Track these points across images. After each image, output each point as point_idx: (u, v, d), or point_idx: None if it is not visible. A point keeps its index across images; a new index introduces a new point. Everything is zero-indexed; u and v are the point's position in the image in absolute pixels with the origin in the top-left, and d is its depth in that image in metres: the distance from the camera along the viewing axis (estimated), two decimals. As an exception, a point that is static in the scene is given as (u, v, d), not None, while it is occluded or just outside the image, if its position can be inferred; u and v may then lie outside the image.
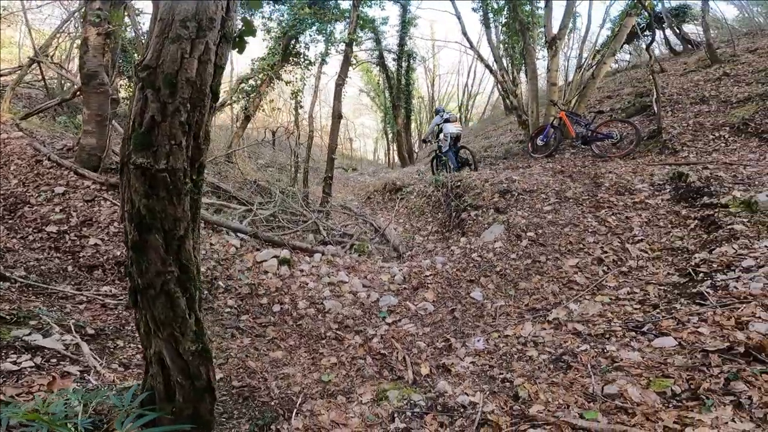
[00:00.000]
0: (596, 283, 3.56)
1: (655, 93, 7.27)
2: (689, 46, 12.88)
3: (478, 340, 3.05)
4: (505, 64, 11.69)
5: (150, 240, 1.31)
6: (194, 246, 1.42)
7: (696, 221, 3.96)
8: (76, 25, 10.07)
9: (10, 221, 4.47)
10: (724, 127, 6.46)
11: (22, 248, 4.03)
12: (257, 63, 11.10)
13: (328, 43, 10.47)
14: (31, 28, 9.66)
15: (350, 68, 9.26)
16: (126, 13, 6.16)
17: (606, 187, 5.17)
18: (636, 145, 6.65)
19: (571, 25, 10.11)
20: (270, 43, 11.01)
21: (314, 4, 10.33)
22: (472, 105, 24.21)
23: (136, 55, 9.52)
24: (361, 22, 11.82)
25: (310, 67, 11.30)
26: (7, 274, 3.31)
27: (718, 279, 2.87)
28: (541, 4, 9.13)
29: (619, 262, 3.79)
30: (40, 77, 10.02)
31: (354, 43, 9.31)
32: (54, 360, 2.31)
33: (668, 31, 13.34)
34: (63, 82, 10.34)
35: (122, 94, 9.47)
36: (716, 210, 3.93)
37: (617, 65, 14.65)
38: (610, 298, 3.22)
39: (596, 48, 9.71)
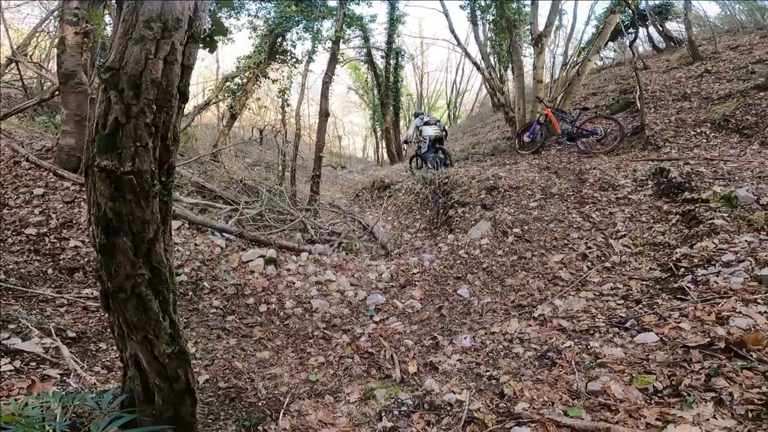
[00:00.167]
0: (580, 279, 3.59)
1: (638, 90, 7.37)
2: (672, 43, 13.09)
3: (465, 338, 3.06)
4: (492, 62, 11.75)
5: (118, 243, 1.28)
6: (166, 248, 1.39)
7: (677, 216, 4.02)
8: (55, 24, 9.85)
9: (-14, 224, 4.35)
10: (706, 123, 6.58)
11: (0, 251, 3.93)
12: (243, 61, 10.97)
13: (316, 40, 10.38)
14: (9, 27, 9.41)
15: (338, 66, 9.22)
16: (107, 12, 6.04)
17: (590, 183, 5.22)
18: (620, 141, 6.74)
19: (557, 22, 10.18)
20: (256, 40, 10.89)
21: (301, 2, 10.24)
22: (460, 102, 24.31)
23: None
24: (349, 19, 11.72)
25: (297, 65, 11.20)
26: (-16, 279, 3.23)
27: (699, 274, 2.92)
28: (528, 1, 9.18)
29: (602, 258, 3.83)
30: (18, 77, 9.76)
31: (341, 41, 9.26)
32: (34, 363, 2.30)
33: (651, 29, 13.55)
34: (42, 81, 10.10)
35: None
36: (697, 205, 3.99)
37: (602, 62, 14.83)
38: (594, 294, 3.25)
39: (581, 45, 9.82)
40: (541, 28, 8.36)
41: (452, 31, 10.57)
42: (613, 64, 14.68)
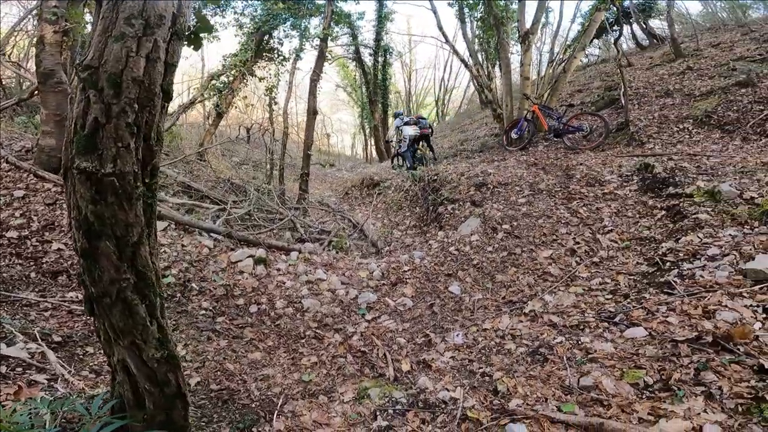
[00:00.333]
0: (570, 274, 3.63)
1: (622, 87, 7.48)
2: (655, 40, 13.31)
3: (457, 335, 3.06)
4: (480, 59, 11.79)
5: (101, 247, 1.24)
6: (151, 251, 1.35)
7: (662, 211, 4.08)
8: (34, 23, 9.58)
9: (-37, 228, 4.21)
10: (688, 119, 6.70)
11: (-22, 256, 3.81)
12: (229, 59, 10.80)
13: (303, 38, 10.28)
14: (-13, 27, 9.11)
15: (326, 64, 9.13)
16: (86, 10, 5.89)
17: (577, 178, 5.28)
18: (605, 137, 6.83)
19: (543, 20, 10.27)
20: (242, 38, 10.73)
21: (288, -1, 10.12)
22: (449, 99, 24.40)
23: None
24: (337, 16, 11.62)
25: (284, 63, 11.07)
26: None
27: (685, 268, 2.96)
28: (515, -2, 9.22)
29: (590, 253, 3.87)
30: (-4, 76, 9.46)
31: (329, 39, 9.19)
32: (20, 369, 2.25)
33: (635, 26, 13.74)
34: (21, 81, 9.82)
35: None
36: (681, 200, 4.06)
37: (587, 59, 15.01)
38: (583, 289, 3.28)
39: (567, 43, 9.90)
40: (528, 25, 8.41)
41: (440, 28, 10.57)
42: (597, 61, 14.87)
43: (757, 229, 3.17)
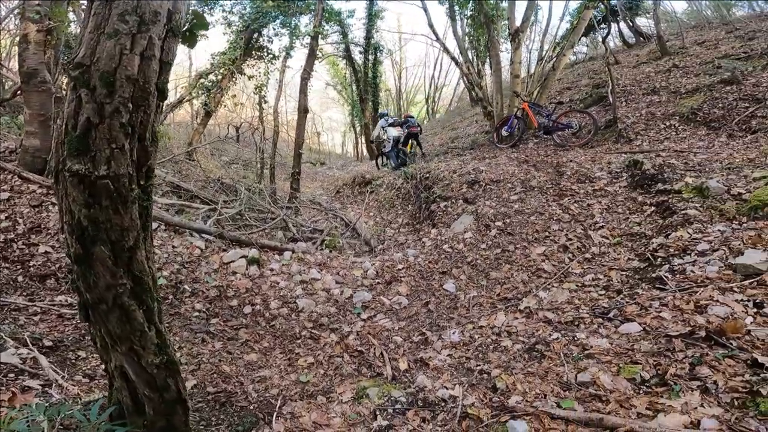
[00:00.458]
0: (563, 271, 3.66)
1: (610, 84, 7.56)
2: (641, 38, 13.47)
3: (454, 333, 3.07)
4: (470, 57, 11.82)
5: (96, 252, 1.20)
6: (147, 256, 1.32)
7: (652, 207, 4.14)
8: (16, 22, 9.34)
9: (-55, 231, 4.09)
10: (675, 116, 6.80)
11: (-37, 260, 3.71)
12: (217, 57, 10.67)
13: (293, 36, 10.21)
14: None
15: (316, 62, 9.08)
16: (70, 9, 5.75)
17: (568, 175, 5.33)
18: (593, 134, 6.91)
19: (533, 18, 10.33)
20: (231, 36, 10.61)
21: (278, -3, 10.02)
22: (439, 97, 24.47)
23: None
24: (327, 14, 11.57)
25: (274, 61, 10.97)
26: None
27: (676, 263, 3.01)
28: (504, -3, 9.25)
29: (583, 249, 3.91)
30: (-23, 76, 9.21)
31: (319, 36, 9.13)
32: (12, 375, 2.20)
33: (622, 24, 13.90)
34: (3, 80, 9.57)
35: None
36: (670, 196, 4.12)
37: (575, 57, 15.15)
38: (577, 285, 3.32)
39: (556, 41, 9.98)
40: (518, 23, 8.46)
41: (431, 26, 10.56)
42: (586, 59, 15.02)
43: (745, 225, 3.23)
